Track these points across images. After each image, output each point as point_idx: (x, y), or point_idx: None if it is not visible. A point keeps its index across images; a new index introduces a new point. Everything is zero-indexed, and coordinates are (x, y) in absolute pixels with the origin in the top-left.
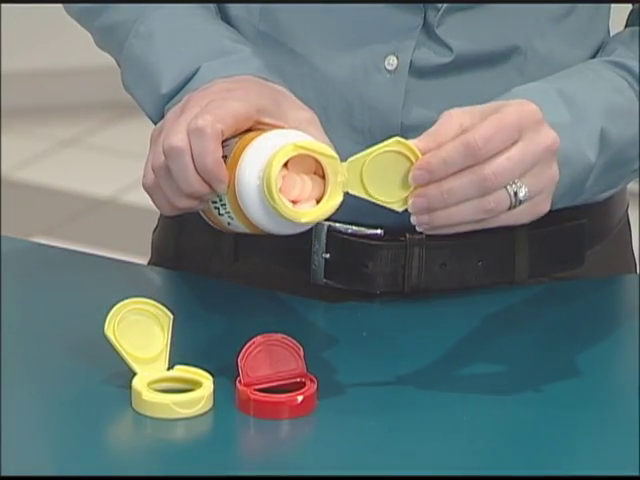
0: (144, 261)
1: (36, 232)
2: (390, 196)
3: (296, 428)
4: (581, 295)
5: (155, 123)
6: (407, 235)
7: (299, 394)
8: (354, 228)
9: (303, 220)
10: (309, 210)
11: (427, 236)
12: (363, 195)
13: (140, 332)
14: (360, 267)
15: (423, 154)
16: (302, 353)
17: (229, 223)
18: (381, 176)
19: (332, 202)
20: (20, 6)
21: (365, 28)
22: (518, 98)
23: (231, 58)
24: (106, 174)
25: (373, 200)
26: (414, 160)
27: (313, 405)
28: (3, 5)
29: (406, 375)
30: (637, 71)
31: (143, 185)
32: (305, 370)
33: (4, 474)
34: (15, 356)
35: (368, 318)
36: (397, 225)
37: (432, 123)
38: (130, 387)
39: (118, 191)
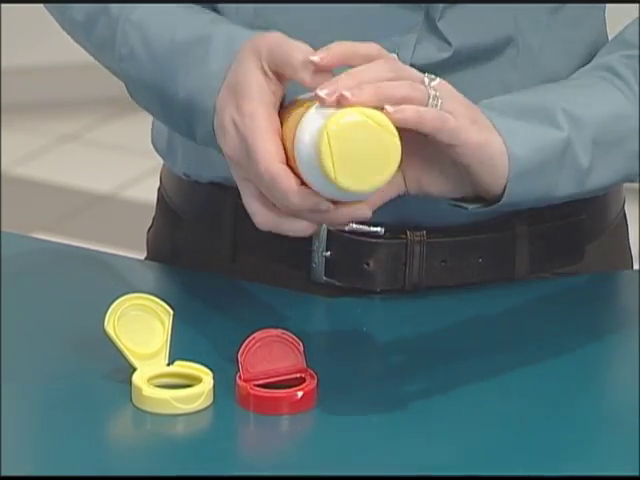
0: (143, 257)
1: (36, 228)
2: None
3: (296, 424)
4: (581, 290)
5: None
6: (407, 232)
7: (299, 390)
8: (354, 226)
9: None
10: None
11: (428, 233)
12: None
13: (140, 328)
14: (361, 265)
15: None
16: (302, 349)
17: None
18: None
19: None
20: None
21: (365, 26)
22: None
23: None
24: (105, 170)
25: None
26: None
27: (313, 401)
28: (3, 3)
29: (406, 371)
30: (617, 68)
31: (259, 225)
32: (305, 366)
33: (4, 474)
34: (14, 352)
35: (368, 314)
36: (398, 223)
37: None
38: (130, 383)
39: (117, 187)
